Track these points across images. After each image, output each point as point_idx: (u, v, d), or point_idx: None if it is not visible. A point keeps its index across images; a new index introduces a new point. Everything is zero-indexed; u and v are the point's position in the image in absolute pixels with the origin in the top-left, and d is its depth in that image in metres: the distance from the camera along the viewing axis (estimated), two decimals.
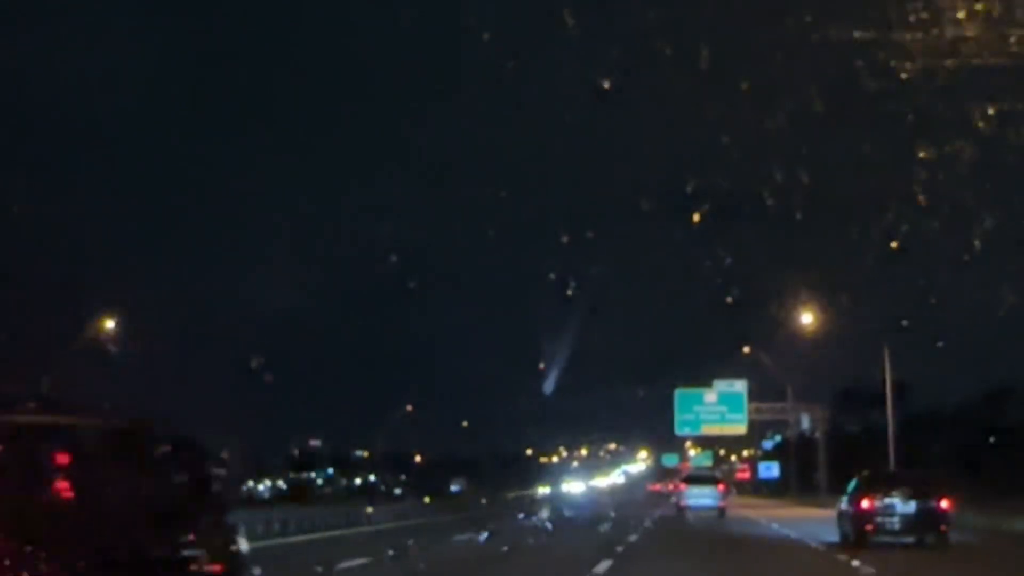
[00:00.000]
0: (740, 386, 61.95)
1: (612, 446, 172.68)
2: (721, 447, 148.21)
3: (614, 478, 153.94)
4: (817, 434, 64.82)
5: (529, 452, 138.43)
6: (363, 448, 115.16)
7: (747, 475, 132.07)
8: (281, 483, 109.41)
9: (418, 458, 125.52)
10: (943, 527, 26.89)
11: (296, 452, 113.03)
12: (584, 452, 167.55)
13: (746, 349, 62.83)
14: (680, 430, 61.95)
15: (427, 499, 75.43)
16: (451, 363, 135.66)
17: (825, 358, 59.93)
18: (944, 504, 27.24)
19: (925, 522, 26.86)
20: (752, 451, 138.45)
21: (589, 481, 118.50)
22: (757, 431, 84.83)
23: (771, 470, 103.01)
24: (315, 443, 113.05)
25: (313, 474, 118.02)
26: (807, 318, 52.69)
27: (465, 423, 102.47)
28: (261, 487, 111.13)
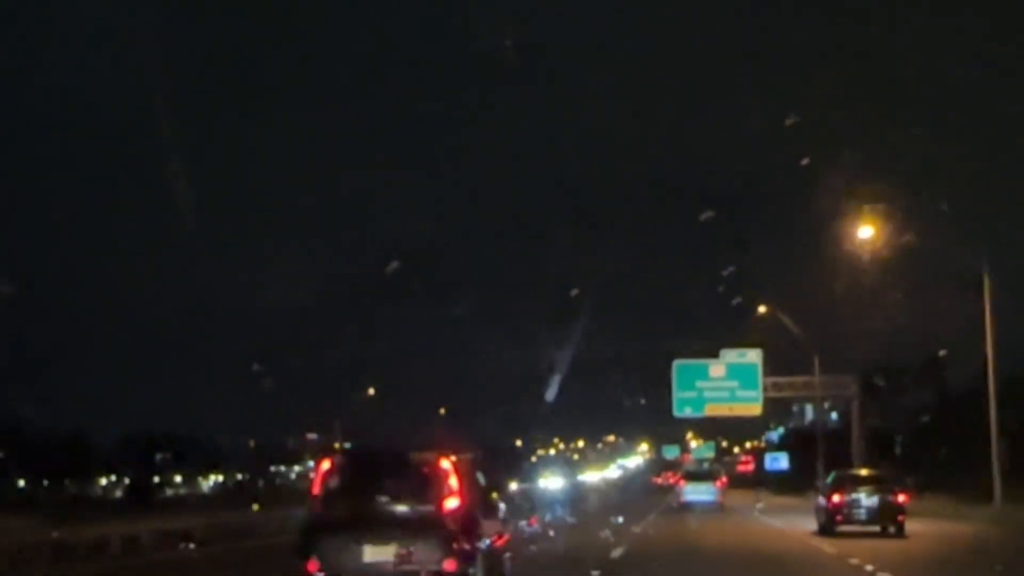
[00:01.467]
0: (754, 356, 48.33)
1: (611, 438, 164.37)
2: (727, 435, 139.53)
3: (608, 472, 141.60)
4: (852, 409, 51.07)
5: (519, 443, 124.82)
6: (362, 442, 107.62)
7: (750, 467, 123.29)
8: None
9: None
10: (900, 517, 29.96)
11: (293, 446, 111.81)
12: (581, 444, 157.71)
13: (762, 308, 49.05)
14: (680, 411, 48.38)
15: None
16: (446, 355, 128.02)
17: (856, 326, 46.92)
18: (901, 498, 30.57)
19: (885, 513, 30.04)
20: (756, 442, 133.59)
21: (578, 476, 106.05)
22: (772, 412, 70.63)
23: (779, 461, 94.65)
24: (312, 437, 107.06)
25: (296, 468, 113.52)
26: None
27: (442, 410, 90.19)
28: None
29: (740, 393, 47.64)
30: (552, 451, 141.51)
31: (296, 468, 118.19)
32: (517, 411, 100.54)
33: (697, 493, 53.23)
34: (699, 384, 47.76)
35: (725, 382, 47.58)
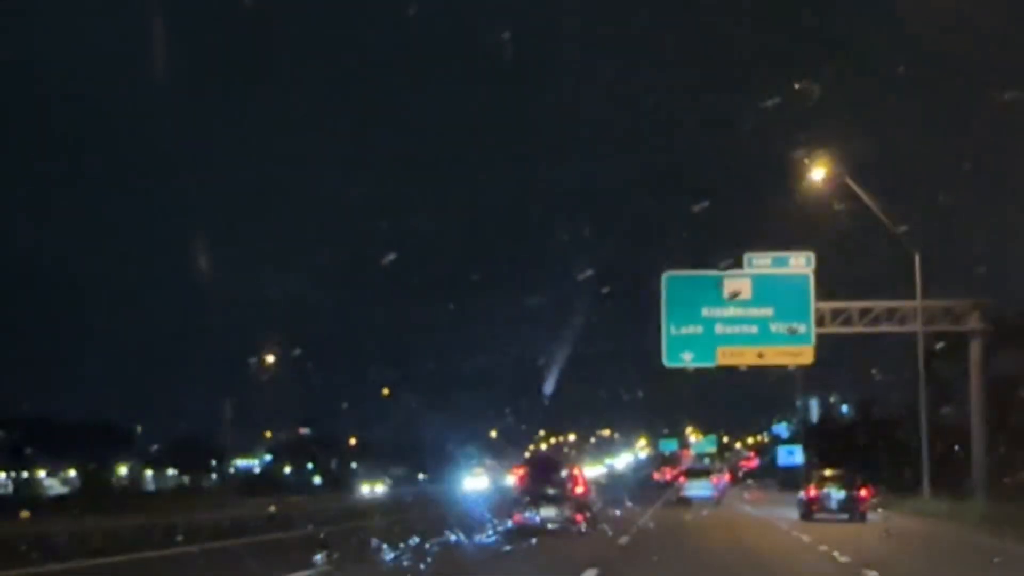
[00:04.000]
0: (800, 264, 25.91)
1: (606, 432, 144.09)
2: (729, 429, 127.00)
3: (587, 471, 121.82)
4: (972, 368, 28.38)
5: (494, 435, 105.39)
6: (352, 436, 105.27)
7: (753, 464, 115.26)
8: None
9: (353, 441, 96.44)
10: (861, 508, 33.05)
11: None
12: (572, 438, 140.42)
13: (818, 174, 25.75)
14: (672, 359, 26.02)
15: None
16: (436, 346, 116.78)
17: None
18: (863, 492, 33.72)
19: (850, 505, 32.89)
20: (758, 437, 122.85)
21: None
22: (831, 358, 46.48)
23: (793, 456, 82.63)
24: (304, 431, 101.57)
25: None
26: None
27: (386, 391, 72.15)
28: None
29: (778, 327, 25.50)
30: (543, 445, 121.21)
31: (242, 462, 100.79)
32: (501, 401, 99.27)
33: (695, 489, 55.21)
34: (707, 312, 25.66)
35: (752, 308, 25.45)
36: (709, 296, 26.00)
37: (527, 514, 25.13)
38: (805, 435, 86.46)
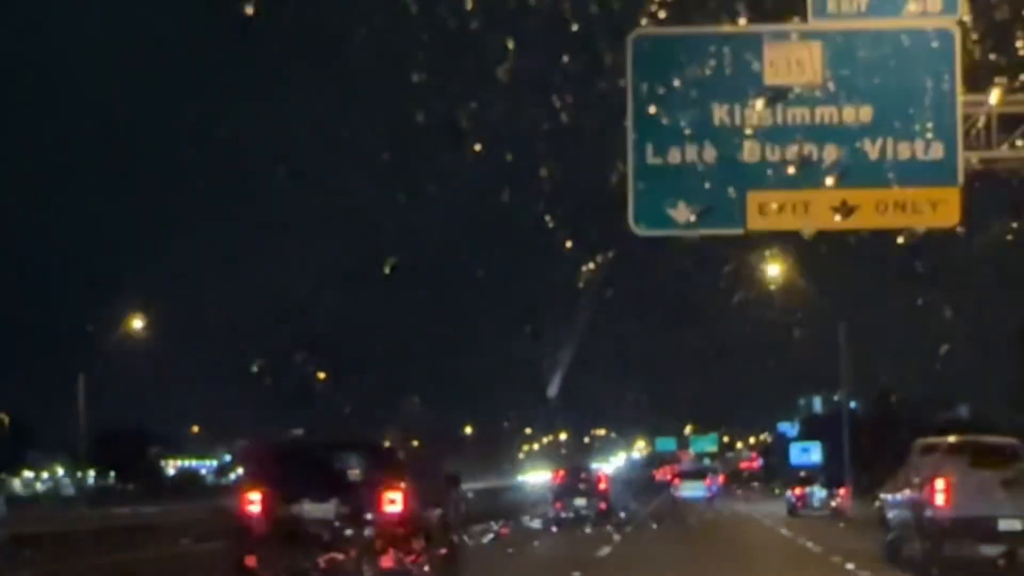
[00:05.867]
0: (932, 9, 11.34)
1: (601, 432, 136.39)
2: (730, 426, 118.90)
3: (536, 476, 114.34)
4: None
5: (468, 430, 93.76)
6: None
7: (754, 464, 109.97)
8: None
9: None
10: (842, 505, 38.70)
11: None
12: (564, 436, 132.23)
13: None
14: (647, 219, 10.96)
15: None
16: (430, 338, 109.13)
17: None
18: (842, 491, 39.76)
19: (831, 503, 39.20)
20: (761, 437, 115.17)
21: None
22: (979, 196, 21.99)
23: (808, 453, 77.65)
24: (297, 432, 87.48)
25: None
26: None
27: (322, 375, 61.14)
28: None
29: (885, 146, 10.92)
30: (535, 445, 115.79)
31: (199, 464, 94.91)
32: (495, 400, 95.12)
33: (688, 490, 57.94)
34: (725, 116, 10.62)
35: (826, 105, 10.45)
36: (729, 80, 11.06)
37: (565, 502, 37.14)
38: (853, 424, 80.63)
